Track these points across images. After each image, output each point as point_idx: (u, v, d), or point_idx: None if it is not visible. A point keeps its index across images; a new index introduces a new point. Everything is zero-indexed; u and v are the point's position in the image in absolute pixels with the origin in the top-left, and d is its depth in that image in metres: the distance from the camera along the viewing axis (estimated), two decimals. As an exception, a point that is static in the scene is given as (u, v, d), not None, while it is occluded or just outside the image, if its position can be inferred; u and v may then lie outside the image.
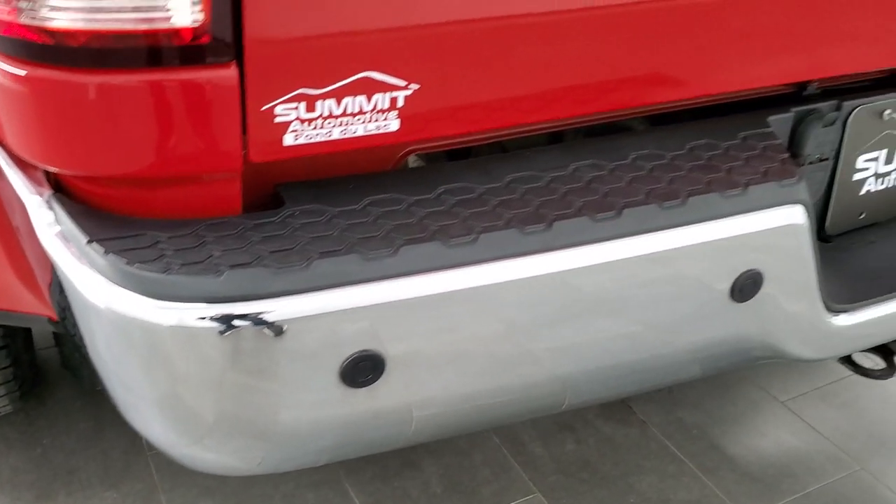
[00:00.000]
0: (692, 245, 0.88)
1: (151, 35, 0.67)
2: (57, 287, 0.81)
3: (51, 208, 0.77)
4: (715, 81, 0.98)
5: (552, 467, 1.69)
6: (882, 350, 1.35)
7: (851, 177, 1.20)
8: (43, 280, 0.89)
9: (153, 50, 0.68)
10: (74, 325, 0.81)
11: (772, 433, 1.84)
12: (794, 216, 0.94)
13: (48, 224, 0.77)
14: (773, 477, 1.71)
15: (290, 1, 0.70)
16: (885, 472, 1.72)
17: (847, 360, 1.33)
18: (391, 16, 0.76)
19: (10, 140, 0.76)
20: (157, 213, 0.77)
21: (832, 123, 1.12)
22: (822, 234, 1.23)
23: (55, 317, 0.94)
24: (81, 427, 1.72)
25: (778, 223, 0.93)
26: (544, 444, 1.76)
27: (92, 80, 0.68)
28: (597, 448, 1.76)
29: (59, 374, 1.84)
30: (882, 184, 1.25)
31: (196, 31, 0.68)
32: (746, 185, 0.91)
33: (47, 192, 0.79)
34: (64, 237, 0.76)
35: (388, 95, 0.79)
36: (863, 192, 1.23)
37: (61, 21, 0.67)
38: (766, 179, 0.92)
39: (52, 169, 0.76)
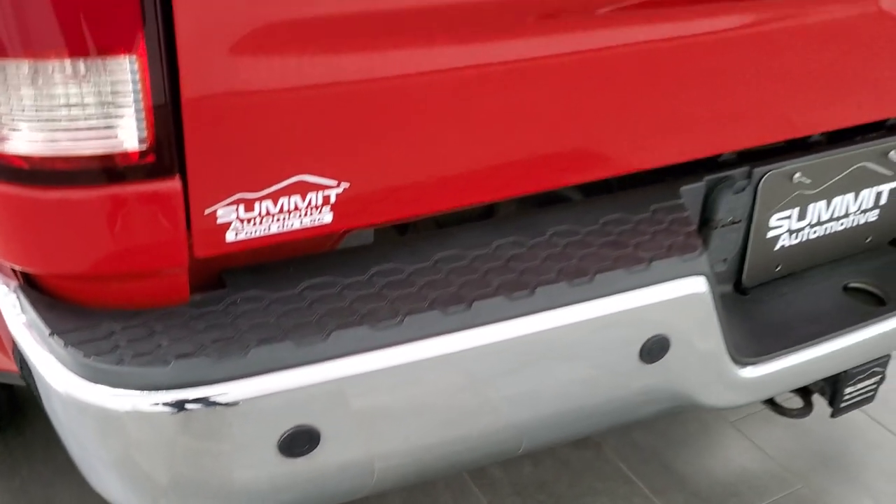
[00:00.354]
0: (600, 317, 0.98)
1: (104, 157, 0.77)
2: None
3: (17, 298, 0.87)
4: (631, 161, 1.08)
5: (510, 490, 1.80)
6: (801, 389, 1.46)
7: (765, 234, 1.31)
8: (7, 339, 0.98)
9: (105, 170, 0.77)
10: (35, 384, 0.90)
11: (720, 453, 1.95)
12: (697, 286, 1.05)
13: (15, 313, 0.86)
14: (720, 496, 1.82)
15: (226, 121, 0.80)
16: (827, 489, 1.83)
17: (767, 401, 1.43)
18: (318, 124, 0.85)
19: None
20: (113, 304, 0.86)
21: (743, 190, 1.22)
22: (739, 286, 1.33)
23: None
24: (59, 458, 1.79)
25: (681, 293, 1.03)
26: (504, 468, 1.86)
27: (52, 196, 0.78)
28: (553, 470, 1.86)
29: (37, 405, 1.92)
30: (796, 238, 1.35)
31: (143, 153, 0.78)
32: (650, 260, 1.01)
33: (14, 283, 0.88)
34: (28, 326, 0.85)
35: (320, 193, 0.89)
36: (777, 247, 1.34)
37: (24, 147, 0.76)
38: (670, 254, 1.02)
39: (20, 268, 0.85)
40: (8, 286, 0.88)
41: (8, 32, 0.70)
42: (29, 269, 0.84)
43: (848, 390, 1.39)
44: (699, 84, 1.08)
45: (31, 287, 0.89)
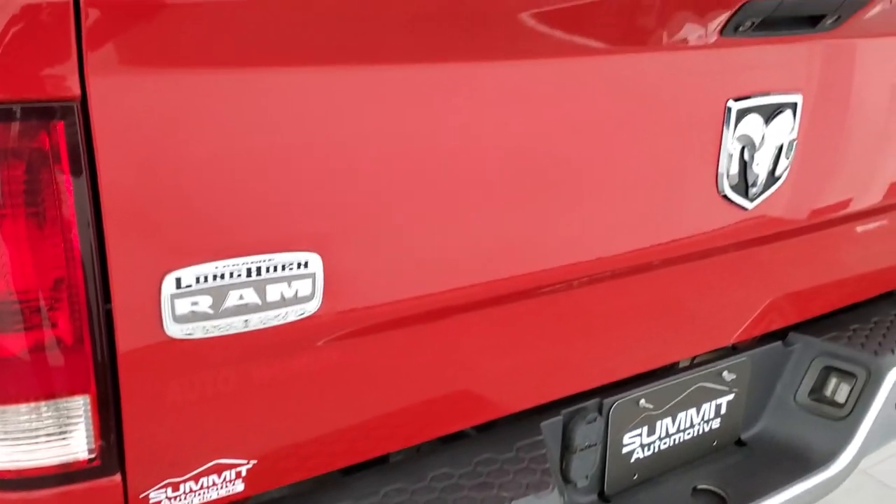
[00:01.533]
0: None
1: (62, 466, 0.98)
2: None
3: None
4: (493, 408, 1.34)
5: None
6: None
7: (621, 451, 1.56)
8: None
9: (62, 475, 0.99)
10: None
11: None
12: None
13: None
14: None
15: (158, 428, 1.02)
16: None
17: None
18: (227, 420, 1.08)
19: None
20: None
21: (595, 420, 1.48)
22: (602, 495, 1.57)
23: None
24: None
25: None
26: None
27: (12, 497, 0.98)
28: None
29: None
30: (648, 451, 1.61)
31: (90, 460, 1.00)
32: (511, 500, 1.24)
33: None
34: None
35: (233, 470, 1.11)
36: (633, 460, 1.59)
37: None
38: (527, 492, 1.26)
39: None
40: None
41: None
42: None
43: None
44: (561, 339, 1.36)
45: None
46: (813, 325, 1.82)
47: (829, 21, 1.35)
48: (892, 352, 1.76)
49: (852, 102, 1.51)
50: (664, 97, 1.27)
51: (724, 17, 1.21)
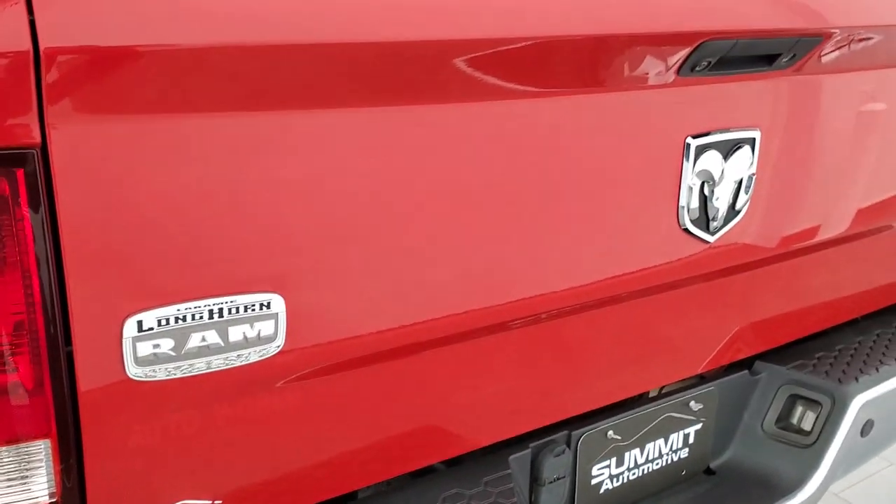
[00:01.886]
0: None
1: (21, 510, 0.98)
2: None
3: None
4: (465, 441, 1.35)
5: None
6: None
7: (590, 482, 1.57)
8: None
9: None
10: None
11: None
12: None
13: None
14: None
15: (118, 473, 1.02)
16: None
17: None
18: (192, 463, 1.08)
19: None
20: None
21: (563, 452, 1.49)
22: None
23: None
24: None
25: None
26: None
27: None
28: None
29: None
30: (617, 482, 1.62)
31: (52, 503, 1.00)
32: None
33: None
34: None
35: (200, 512, 1.11)
36: (602, 490, 1.60)
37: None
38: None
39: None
40: None
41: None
42: None
43: None
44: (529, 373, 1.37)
45: None
46: (779, 354, 1.85)
47: (785, 59, 1.38)
48: (856, 379, 1.79)
49: (810, 137, 1.54)
50: (626, 135, 1.29)
51: (680, 58, 1.24)
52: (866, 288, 1.91)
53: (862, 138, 1.65)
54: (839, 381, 1.77)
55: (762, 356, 1.82)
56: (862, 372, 1.81)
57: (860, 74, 1.55)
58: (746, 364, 1.82)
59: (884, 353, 1.90)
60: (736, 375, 1.77)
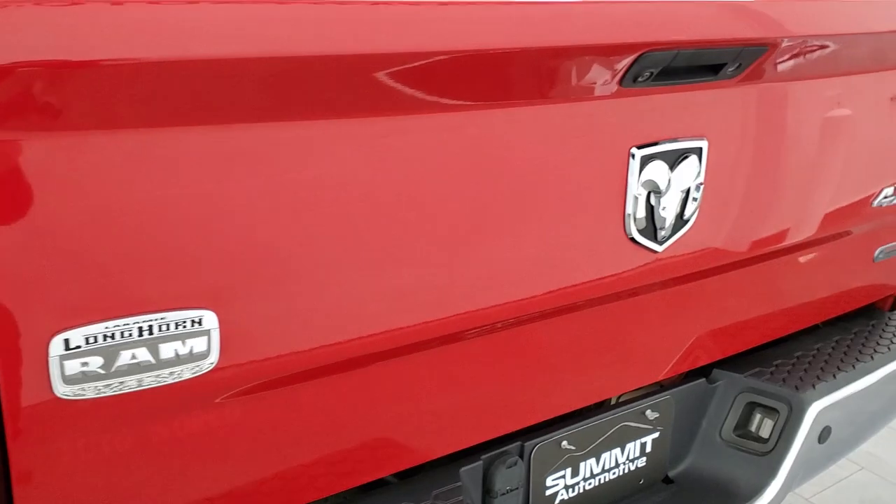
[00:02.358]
0: None
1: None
2: None
3: None
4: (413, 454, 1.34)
5: None
6: None
7: (544, 493, 1.56)
8: None
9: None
10: None
11: None
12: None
13: None
14: None
15: (53, 465, 1.01)
16: None
17: None
18: (134, 473, 1.07)
19: None
20: None
21: (516, 463, 1.49)
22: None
23: None
24: None
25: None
26: None
27: None
28: None
29: None
30: (573, 492, 1.62)
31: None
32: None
33: None
34: None
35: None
36: (557, 501, 1.59)
37: None
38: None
39: None
40: None
41: None
42: None
43: None
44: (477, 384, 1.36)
45: None
46: (737, 361, 1.85)
47: (731, 69, 1.39)
48: (813, 386, 1.79)
49: (760, 145, 1.55)
50: (570, 146, 1.29)
51: (621, 69, 1.24)
52: (824, 295, 1.92)
53: (813, 146, 1.66)
54: (796, 388, 1.78)
55: (720, 364, 1.83)
56: (819, 378, 1.82)
57: (808, 83, 1.55)
58: (705, 372, 1.82)
59: (842, 360, 1.91)
60: (693, 384, 1.77)
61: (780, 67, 1.48)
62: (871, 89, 1.74)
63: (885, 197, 1.87)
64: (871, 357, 1.92)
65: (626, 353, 1.61)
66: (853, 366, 1.88)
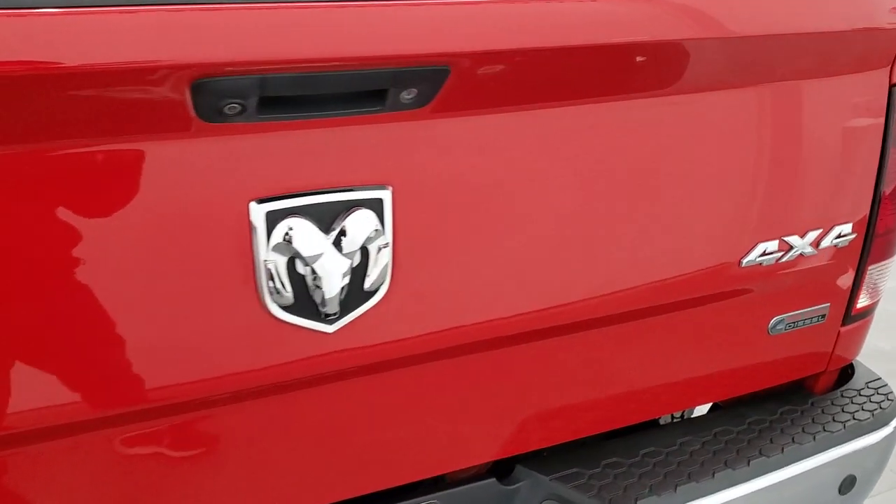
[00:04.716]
0: None
1: None
2: None
3: None
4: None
5: None
6: None
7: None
8: None
9: None
10: None
11: None
12: None
13: None
14: None
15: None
16: None
17: None
18: None
19: None
20: None
21: None
22: None
23: None
24: None
25: None
26: None
27: None
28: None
29: None
30: None
31: None
32: None
33: None
34: None
35: None
36: None
37: None
38: None
39: None
40: None
41: None
42: None
43: None
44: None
45: None
46: (558, 456, 1.45)
47: (407, 96, 1.03)
48: (635, 502, 1.37)
49: (470, 193, 1.15)
50: (165, 199, 0.99)
51: (183, 99, 0.92)
52: (676, 379, 1.47)
53: (601, 182, 1.25)
54: (609, 502, 1.36)
55: (526, 459, 1.44)
56: (652, 492, 1.39)
57: (549, 111, 1.15)
58: (507, 469, 1.44)
59: (702, 465, 1.46)
60: (474, 485, 1.39)
61: (496, 94, 1.09)
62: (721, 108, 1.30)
63: (765, 254, 1.41)
64: (747, 463, 1.45)
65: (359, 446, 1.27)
66: (713, 474, 1.43)
